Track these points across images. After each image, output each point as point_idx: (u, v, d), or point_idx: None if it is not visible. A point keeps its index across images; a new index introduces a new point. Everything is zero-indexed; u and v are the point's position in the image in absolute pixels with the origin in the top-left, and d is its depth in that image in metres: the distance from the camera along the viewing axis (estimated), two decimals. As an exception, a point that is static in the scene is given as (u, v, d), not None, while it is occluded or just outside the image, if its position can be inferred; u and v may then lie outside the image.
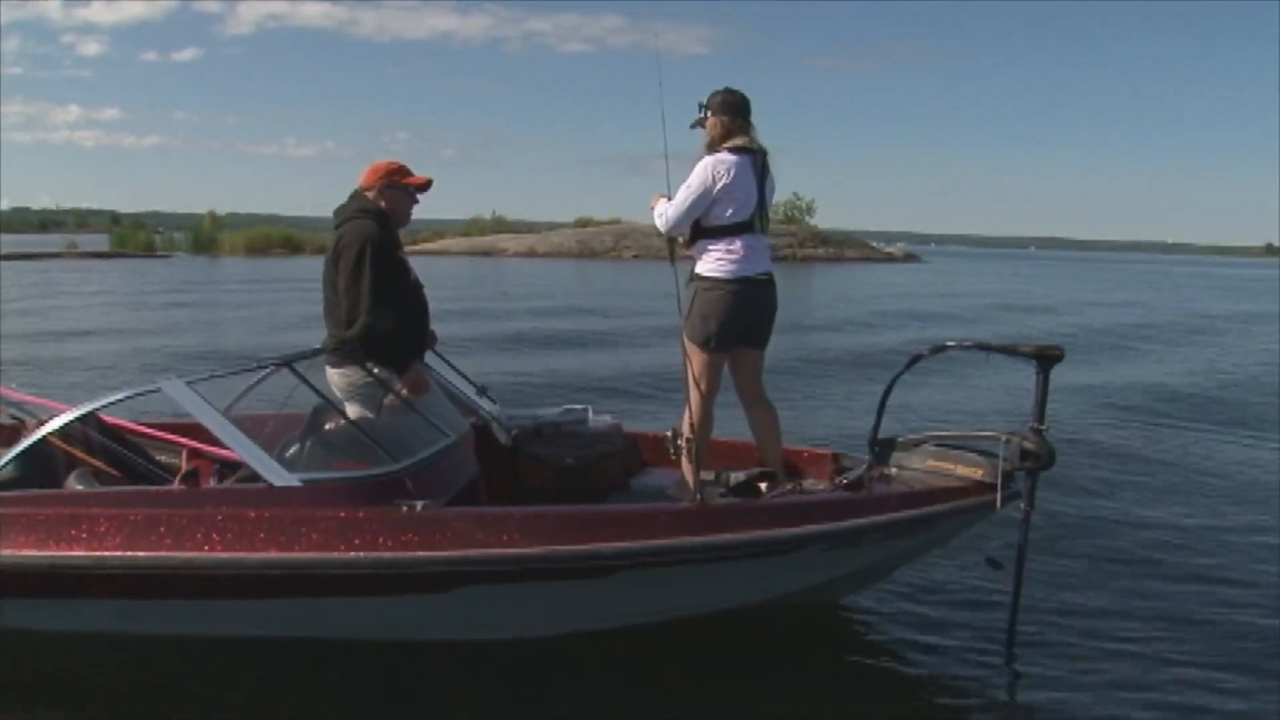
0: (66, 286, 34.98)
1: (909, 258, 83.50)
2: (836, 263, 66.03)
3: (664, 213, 5.85)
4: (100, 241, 68.83)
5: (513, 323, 22.01)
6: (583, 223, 75.44)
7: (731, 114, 5.91)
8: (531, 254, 66.15)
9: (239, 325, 21.69)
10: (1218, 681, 5.08)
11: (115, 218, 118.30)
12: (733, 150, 5.84)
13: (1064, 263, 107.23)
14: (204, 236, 68.30)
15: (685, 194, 5.79)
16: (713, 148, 5.90)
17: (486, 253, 66.52)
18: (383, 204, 5.71)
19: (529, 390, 12.78)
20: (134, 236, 68.59)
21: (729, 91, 5.96)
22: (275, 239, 68.17)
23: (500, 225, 79.87)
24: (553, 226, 78.81)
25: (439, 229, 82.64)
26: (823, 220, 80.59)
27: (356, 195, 5.74)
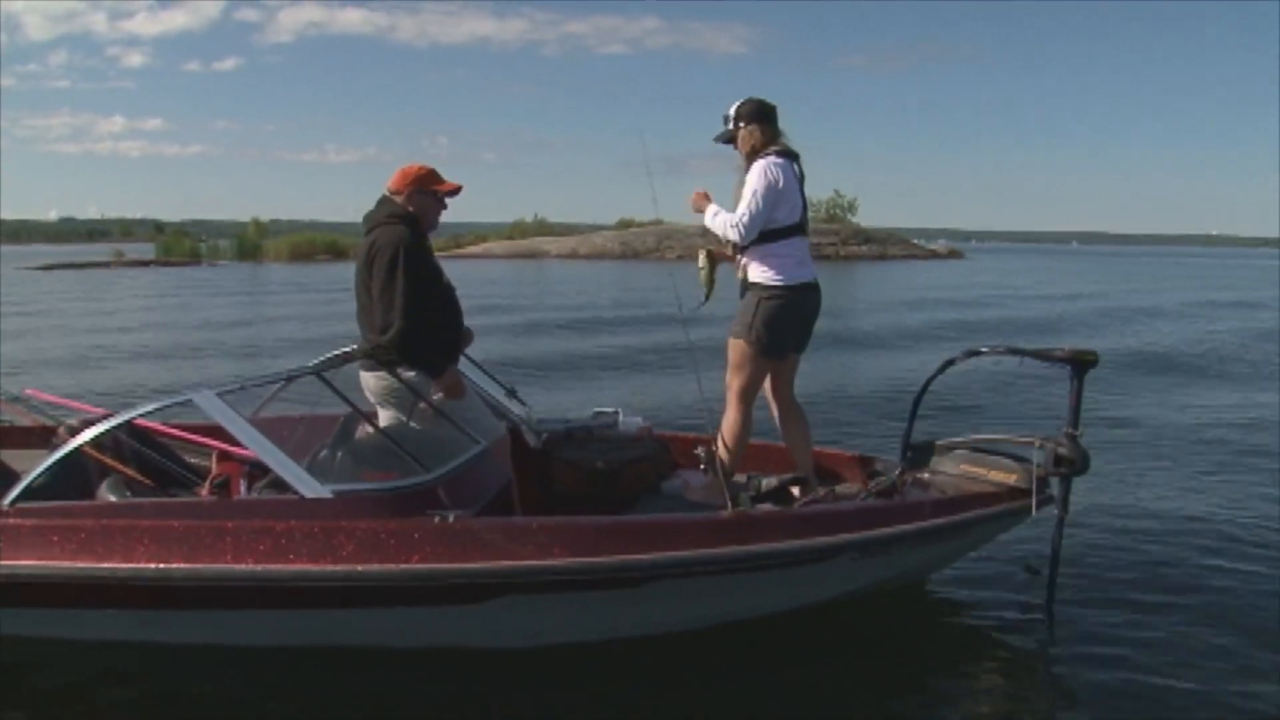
0: (115, 294, 35.43)
1: (953, 254, 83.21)
2: (880, 261, 65.78)
3: (740, 221, 5.77)
4: (146, 250, 69.64)
5: (549, 325, 22.04)
6: (625, 224, 75.49)
7: (766, 121, 5.96)
8: (574, 256, 66.29)
9: (286, 330, 21.89)
10: (1259, 681, 5.01)
11: (159, 226, 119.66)
12: (778, 154, 5.84)
13: (1114, 258, 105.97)
14: (248, 244, 68.87)
15: (758, 199, 5.76)
16: (754, 155, 5.90)
17: (530, 255, 66.71)
18: (411, 209, 5.70)
19: (558, 392, 12.85)
20: (179, 244, 69.33)
21: (757, 101, 6.01)
22: (319, 245, 68.60)
23: (543, 228, 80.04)
24: (595, 228, 78.90)
25: (481, 232, 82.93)
26: (864, 218, 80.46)
27: (385, 200, 5.74)
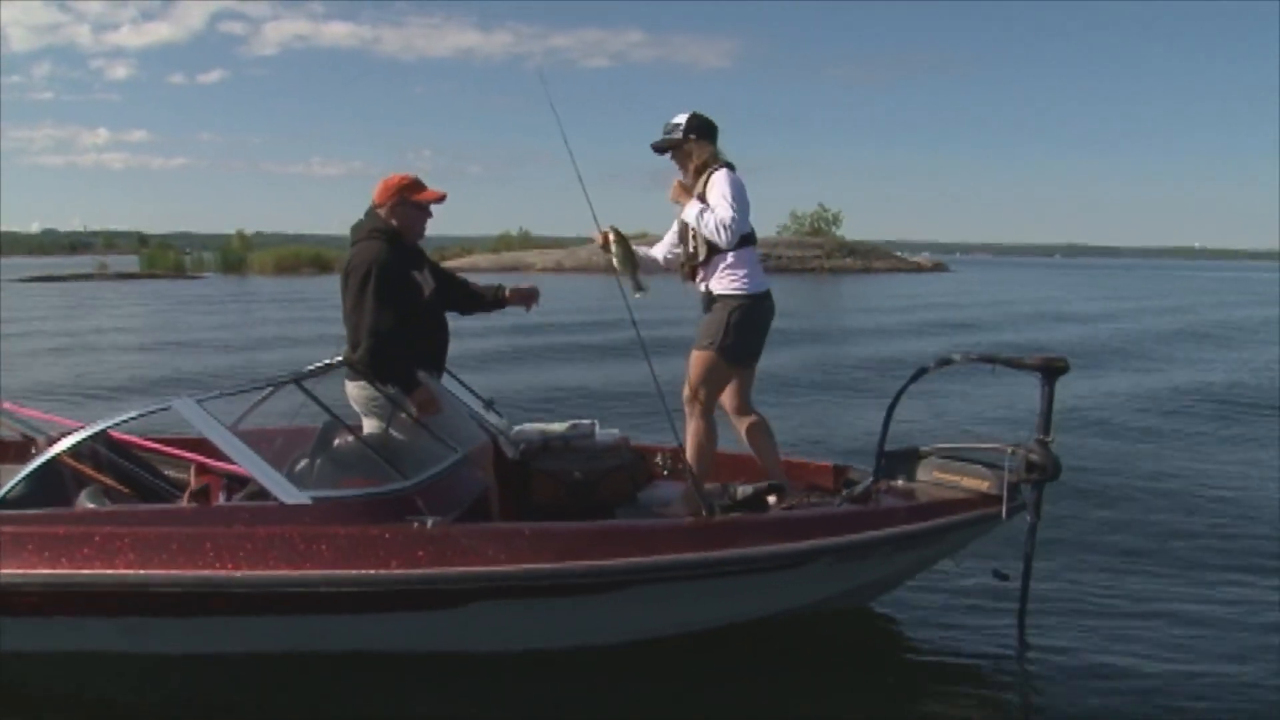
0: (100, 307, 35.40)
1: (938, 267, 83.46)
2: (865, 274, 66.01)
3: (730, 222, 5.68)
4: (130, 262, 69.45)
5: (530, 335, 22.03)
6: (611, 238, 75.37)
7: (712, 138, 5.99)
8: (559, 269, 66.30)
9: (272, 343, 21.99)
10: (1229, 686, 5.07)
11: (142, 239, 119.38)
12: (727, 167, 5.88)
13: (1098, 271, 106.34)
14: (233, 256, 68.79)
15: (738, 203, 5.73)
16: (701, 169, 5.90)
17: (514, 268, 66.67)
18: (394, 221, 5.71)
19: (535, 404, 12.89)
20: (163, 257, 69.12)
21: (704, 116, 6.00)
22: (304, 258, 68.53)
23: (528, 241, 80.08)
24: (581, 242, 78.79)
25: (467, 245, 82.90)
26: (848, 231, 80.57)
27: (370, 213, 5.76)
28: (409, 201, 5.74)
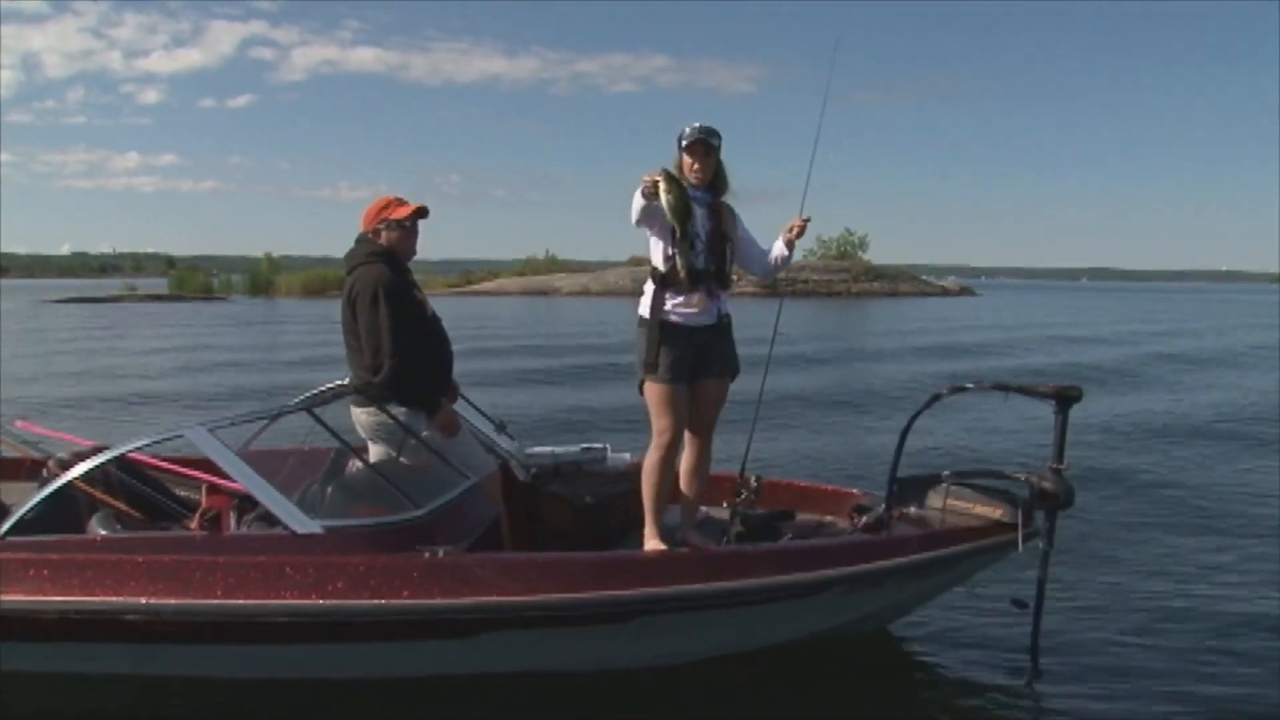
0: (129, 328, 35.62)
1: (964, 291, 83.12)
2: (892, 297, 65.83)
3: None
4: (158, 285, 69.96)
5: (550, 356, 22.02)
6: (636, 261, 75.52)
7: None
8: (586, 293, 66.38)
9: (300, 362, 22.04)
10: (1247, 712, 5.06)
11: (170, 261, 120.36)
12: None
13: (1126, 294, 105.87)
14: (261, 279, 69.18)
15: None
16: (715, 183, 5.49)
17: (542, 292, 66.78)
18: (384, 243, 5.69)
19: (548, 426, 12.92)
20: (192, 279, 69.64)
21: None
22: (331, 280, 68.73)
23: (554, 265, 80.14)
24: (606, 265, 78.85)
25: (494, 269, 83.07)
26: (874, 255, 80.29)
27: (363, 239, 5.74)
28: (392, 220, 5.70)
